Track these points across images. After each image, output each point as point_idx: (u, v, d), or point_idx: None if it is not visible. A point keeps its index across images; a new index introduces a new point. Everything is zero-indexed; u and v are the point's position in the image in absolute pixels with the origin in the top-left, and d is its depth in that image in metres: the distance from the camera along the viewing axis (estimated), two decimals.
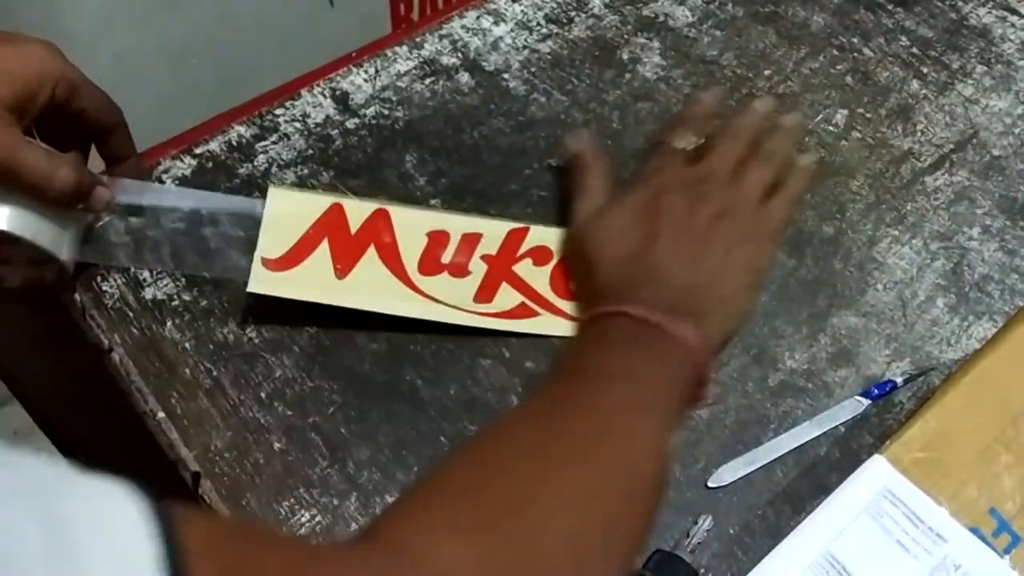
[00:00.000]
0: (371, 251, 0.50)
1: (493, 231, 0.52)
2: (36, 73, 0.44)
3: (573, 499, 0.34)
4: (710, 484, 0.45)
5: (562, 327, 0.49)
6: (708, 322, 0.43)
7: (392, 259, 0.50)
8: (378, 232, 0.51)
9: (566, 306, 0.50)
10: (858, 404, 0.46)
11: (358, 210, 0.51)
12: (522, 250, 0.51)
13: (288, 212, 0.50)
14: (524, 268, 0.51)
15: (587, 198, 0.50)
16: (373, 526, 0.32)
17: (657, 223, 0.46)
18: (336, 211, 0.51)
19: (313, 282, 0.48)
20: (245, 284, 0.48)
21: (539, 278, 0.50)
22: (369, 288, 0.49)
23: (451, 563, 0.30)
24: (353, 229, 0.50)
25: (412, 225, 0.51)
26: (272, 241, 0.49)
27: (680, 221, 0.45)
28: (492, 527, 0.31)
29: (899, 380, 0.47)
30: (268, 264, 0.49)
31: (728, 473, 0.45)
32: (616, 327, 0.41)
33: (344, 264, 0.49)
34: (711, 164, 0.48)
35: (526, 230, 0.52)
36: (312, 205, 0.51)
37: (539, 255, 0.51)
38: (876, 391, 0.47)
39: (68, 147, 0.48)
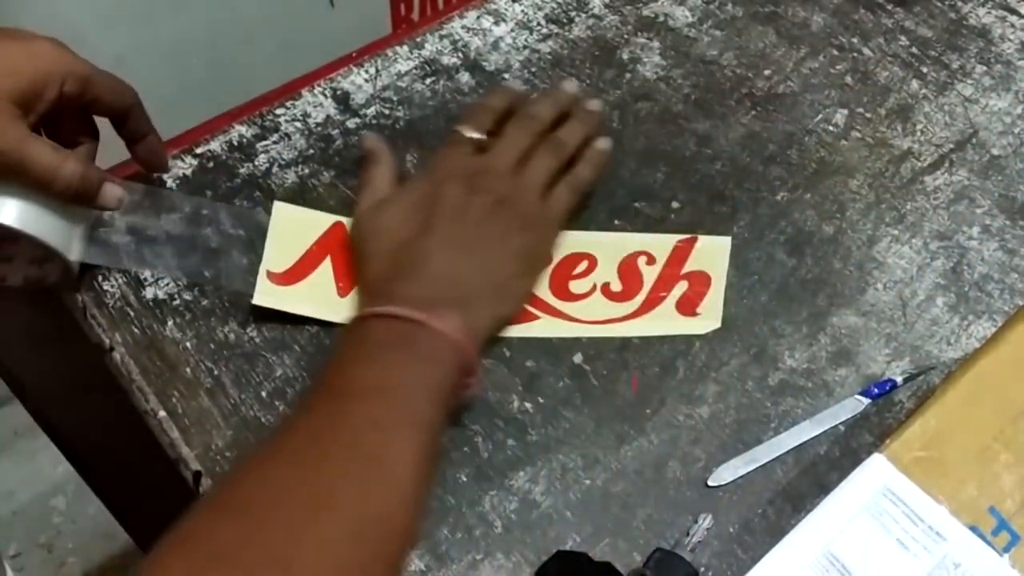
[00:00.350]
0: None
1: None
2: (43, 69, 0.44)
3: (331, 550, 0.33)
4: (710, 483, 0.45)
5: (562, 329, 0.49)
6: (476, 311, 0.43)
7: None
8: None
9: (566, 307, 0.50)
10: (858, 403, 0.46)
11: None
12: None
13: (292, 227, 0.51)
14: None
15: (368, 191, 0.50)
16: None
17: (431, 213, 0.46)
18: (338, 229, 0.52)
19: (316, 298, 0.49)
20: (249, 296, 0.49)
21: (539, 281, 0.51)
22: None
23: None
24: None
25: None
26: (277, 255, 0.50)
27: (454, 210, 0.46)
28: None
29: (899, 379, 0.47)
30: (273, 277, 0.50)
31: (728, 472, 0.45)
32: (378, 330, 0.41)
33: (346, 282, 0.50)
34: (494, 153, 0.48)
35: None
36: (315, 222, 0.52)
37: None
38: (876, 390, 0.47)
39: (81, 141, 0.48)
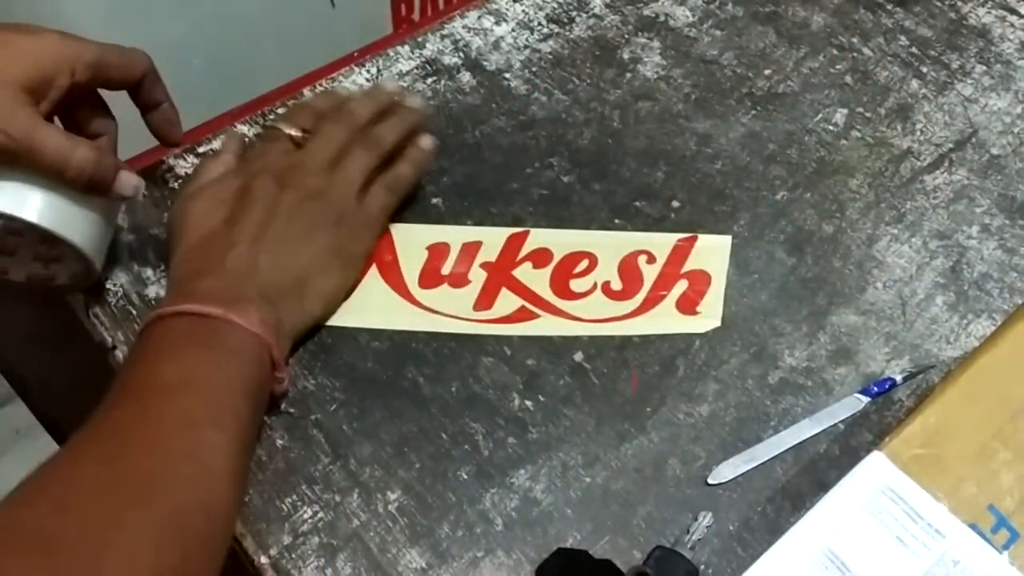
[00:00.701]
0: (372, 270, 0.51)
1: (493, 238, 0.52)
2: (52, 56, 0.43)
3: (148, 537, 0.33)
4: (710, 481, 0.45)
5: (563, 327, 0.50)
6: (279, 307, 0.43)
7: (393, 275, 0.51)
8: (379, 250, 0.52)
9: (566, 306, 0.50)
10: (857, 401, 0.47)
11: None
12: (522, 254, 0.52)
13: None
14: (524, 271, 0.51)
15: (191, 181, 0.50)
16: None
17: (239, 206, 0.45)
18: None
19: None
20: None
21: (539, 280, 0.51)
22: (371, 306, 0.50)
23: None
24: None
25: (412, 241, 0.52)
26: None
27: (262, 204, 0.45)
28: None
29: (898, 378, 0.48)
30: None
31: (728, 470, 0.45)
32: (178, 327, 0.41)
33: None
34: (308, 150, 0.48)
35: (526, 233, 0.52)
36: None
37: (539, 257, 0.52)
38: (875, 388, 0.47)
39: (100, 131, 0.47)
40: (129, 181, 0.46)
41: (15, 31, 0.43)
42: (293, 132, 0.49)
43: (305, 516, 0.44)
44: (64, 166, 0.43)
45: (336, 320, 0.50)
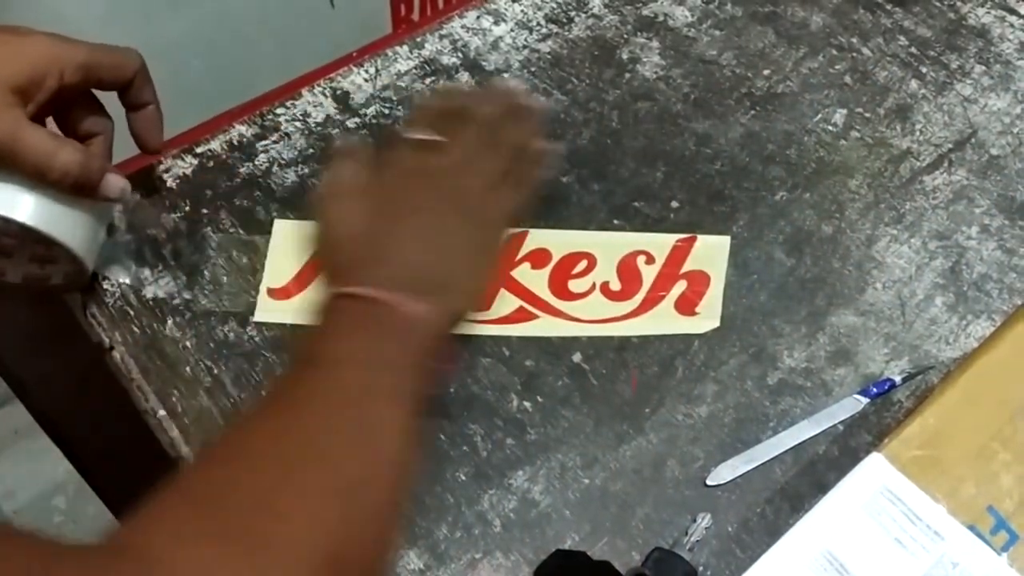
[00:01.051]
0: None
1: None
2: (42, 57, 0.43)
3: (316, 500, 0.33)
4: (709, 482, 0.45)
5: (561, 328, 0.50)
6: (443, 299, 0.42)
7: None
8: None
9: (565, 306, 0.50)
10: (856, 403, 0.47)
11: None
12: (520, 254, 0.52)
13: (292, 241, 0.52)
14: (522, 272, 0.51)
15: (330, 181, 0.49)
16: (119, 531, 0.31)
17: (394, 206, 0.45)
18: None
19: None
20: (251, 299, 0.49)
21: (537, 281, 0.51)
22: None
23: (192, 570, 0.29)
24: None
25: None
26: (276, 271, 0.51)
27: (411, 204, 0.45)
28: (235, 533, 0.31)
29: (897, 379, 0.47)
30: (273, 293, 0.51)
31: (727, 471, 0.45)
32: (350, 309, 0.40)
33: None
34: (445, 153, 0.47)
35: (524, 234, 0.52)
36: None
37: (537, 258, 0.52)
38: (875, 390, 0.47)
39: (94, 133, 0.47)
40: (116, 184, 0.46)
41: (4, 32, 0.43)
42: (425, 137, 0.49)
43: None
44: (48, 167, 0.43)
45: None
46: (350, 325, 0.40)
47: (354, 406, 0.37)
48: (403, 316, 0.40)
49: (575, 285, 0.51)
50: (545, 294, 0.51)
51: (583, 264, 0.52)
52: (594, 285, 0.51)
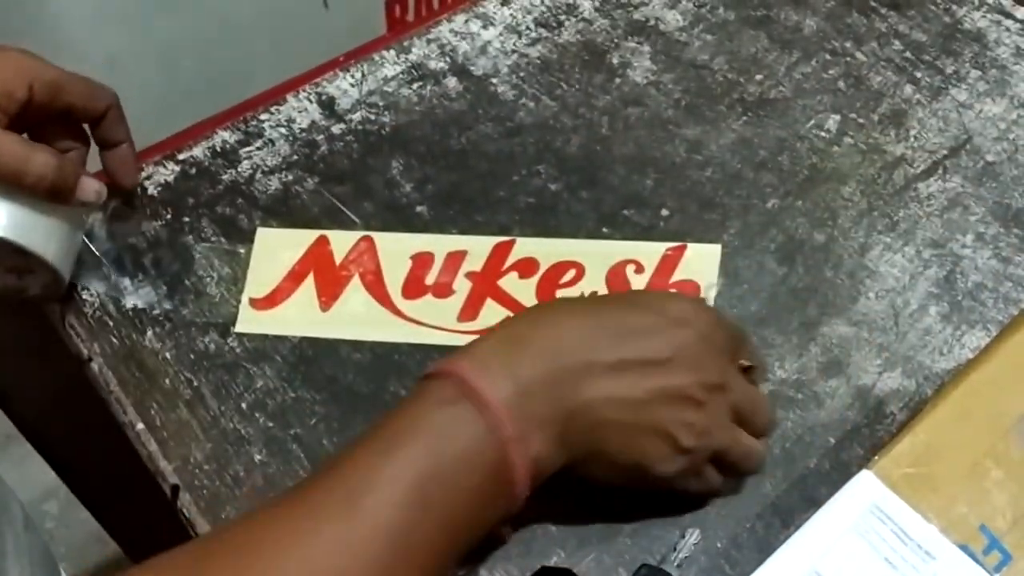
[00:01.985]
0: (355, 280, 0.50)
1: (478, 247, 0.51)
2: (11, 70, 0.43)
3: None
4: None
5: None
6: (565, 451, 0.38)
7: (376, 286, 0.50)
8: (363, 260, 0.51)
9: None
10: None
11: (343, 240, 0.51)
12: (507, 263, 0.51)
13: (275, 250, 0.51)
14: (509, 282, 0.50)
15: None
16: None
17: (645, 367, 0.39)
18: (321, 244, 0.51)
19: (298, 317, 0.49)
20: (233, 309, 0.49)
21: (525, 291, 0.50)
22: (352, 318, 0.49)
23: None
24: (338, 260, 0.51)
25: (396, 250, 0.51)
26: (258, 281, 0.50)
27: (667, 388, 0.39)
28: None
29: None
30: (255, 304, 0.50)
31: None
32: (455, 412, 0.36)
33: (328, 296, 0.50)
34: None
35: (512, 243, 0.52)
36: (298, 240, 0.52)
37: (525, 267, 0.51)
38: None
39: (69, 148, 0.47)
40: (91, 186, 0.45)
41: None
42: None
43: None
44: (23, 172, 0.42)
45: (317, 332, 0.49)
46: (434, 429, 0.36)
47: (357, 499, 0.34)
48: (506, 456, 0.36)
49: (563, 295, 0.50)
50: (533, 304, 0.50)
51: (571, 274, 0.51)
52: (583, 295, 0.50)
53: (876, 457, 0.37)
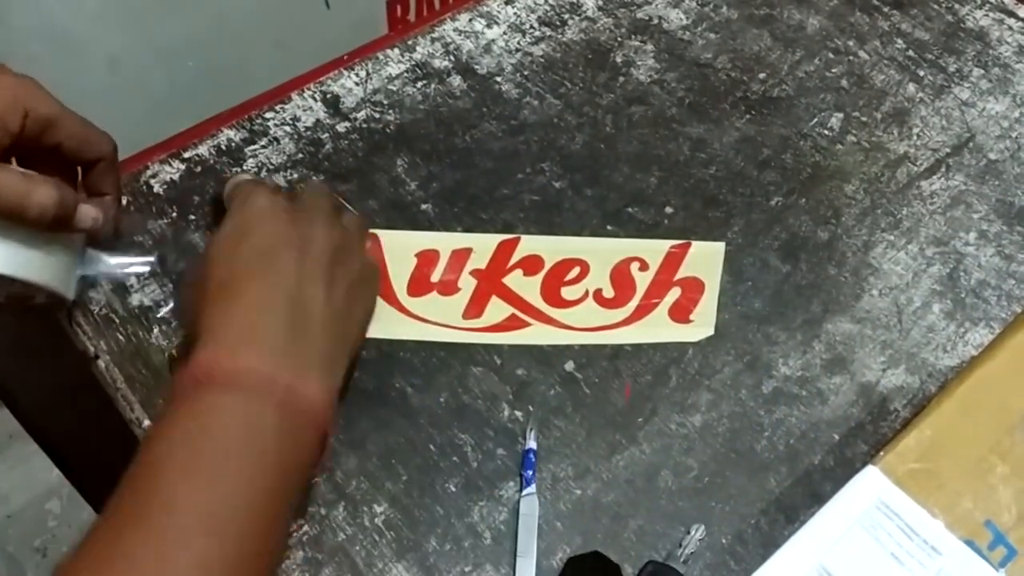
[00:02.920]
0: None
1: (483, 245, 0.51)
2: (8, 99, 0.42)
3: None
4: None
5: (553, 336, 0.49)
6: (336, 373, 0.39)
7: (382, 283, 0.50)
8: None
9: (557, 314, 0.49)
10: None
11: None
12: (512, 261, 0.51)
13: None
14: (514, 279, 0.50)
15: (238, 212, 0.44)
16: None
17: (308, 262, 0.41)
18: None
19: None
20: None
21: (530, 288, 0.50)
22: None
23: None
24: None
25: (401, 247, 0.51)
26: None
27: (328, 265, 0.41)
28: None
29: None
30: None
31: None
32: (229, 410, 0.36)
33: None
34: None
35: (516, 240, 0.52)
36: None
37: (529, 265, 0.51)
38: None
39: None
40: (88, 214, 0.44)
41: None
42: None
43: (290, 530, 0.43)
44: (24, 207, 0.41)
45: None
46: (234, 439, 0.36)
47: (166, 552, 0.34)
48: (297, 405, 0.37)
49: (568, 292, 0.50)
50: (537, 301, 0.50)
51: (576, 271, 0.51)
52: (587, 292, 0.50)
53: (881, 453, 0.37)
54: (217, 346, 0.38)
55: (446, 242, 0.52)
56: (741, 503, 0.44)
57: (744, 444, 0.46)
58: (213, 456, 0.36)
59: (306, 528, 0.43)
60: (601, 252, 0.51)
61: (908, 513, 0.36)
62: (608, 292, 0.50)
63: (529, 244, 0.52)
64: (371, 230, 0.52)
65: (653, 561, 0.42)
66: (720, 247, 0.52)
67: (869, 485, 0.36)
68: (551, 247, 0.52)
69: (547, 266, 0.51)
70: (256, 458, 0.36)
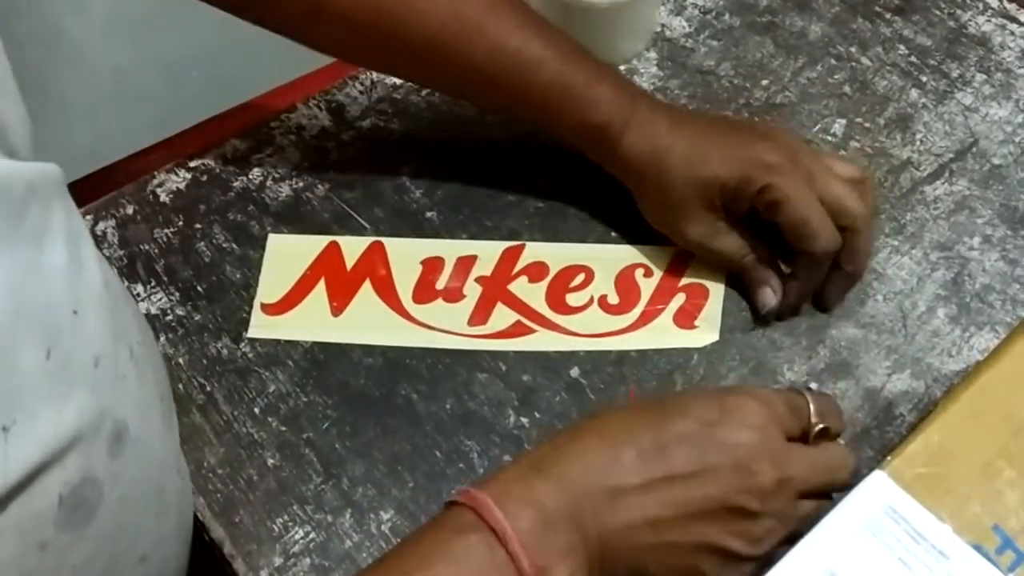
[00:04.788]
0: (366, 285, 0.50)
1: (488, 252, 0.52)
2: (754, 170, 0.46)
3: None
4: None
5: (559, 342, 0.49)
6: None
7: (387, 291, 0.50)
8: (373, 265, 0.51)
9: (562, 320, 0.50)
10: None
11: (354, 246, 0.52)
12: (517, 268, 0.51)
13: (287, 256, 0.51)
14: (519, 286, 0.51)
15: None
16: None
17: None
18: (332, 249, 0.52)
19: (310, 322, 0.49)
20: (245, 315, 0.49)
21: (535, 295, 0.50)
22: (364, 322, 0.49)
23: None
24: (349, 265, 0.51)
25: (406, 255, 0.51)
26: (270, 286, 0.51)
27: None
28: None
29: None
30: (267, 309, 0.50)
31: None
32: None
33: (340, 301, 0.50)
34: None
35: (521, 247, 0.52)
36: (309, 247, 0.52)
37: (534, 271, 0.51)
38: None
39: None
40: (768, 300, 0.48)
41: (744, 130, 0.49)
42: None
43: (297, 537, 0.43)
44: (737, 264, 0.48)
45: (329, 336, 0.49)
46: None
47: None
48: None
49: (573, 299, 0.50)
50: (542, 308, 0.50)
51: (580, 277, 0.51)
52: (592, 299, 0.50)
53: (889, 458, 0.37)
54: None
55: (451, 249, 0.52)
56: None
57: None
58: None
59: (313, 535, 0.43)
60: (606, 259, 0.52)
61: (916, 518, 0.36)
62: (613, 298, 0.50)
63: (533, 251, 0.52)
64: (376, 238, 0.52)
65: None
66: None
67: (876, 490, 0.36)
68: (555, 254, 0.52)
69: (552, 273, 0.51)
70: None
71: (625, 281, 0.51)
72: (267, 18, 0.49)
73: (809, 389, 0.44)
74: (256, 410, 0.47)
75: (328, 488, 0.45)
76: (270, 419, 0.47)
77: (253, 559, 0.43)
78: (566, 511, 0.36)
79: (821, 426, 0.40)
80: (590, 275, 0.51)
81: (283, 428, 0.46)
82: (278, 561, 0.43)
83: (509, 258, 0.52)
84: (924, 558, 0.35)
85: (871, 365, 0.48)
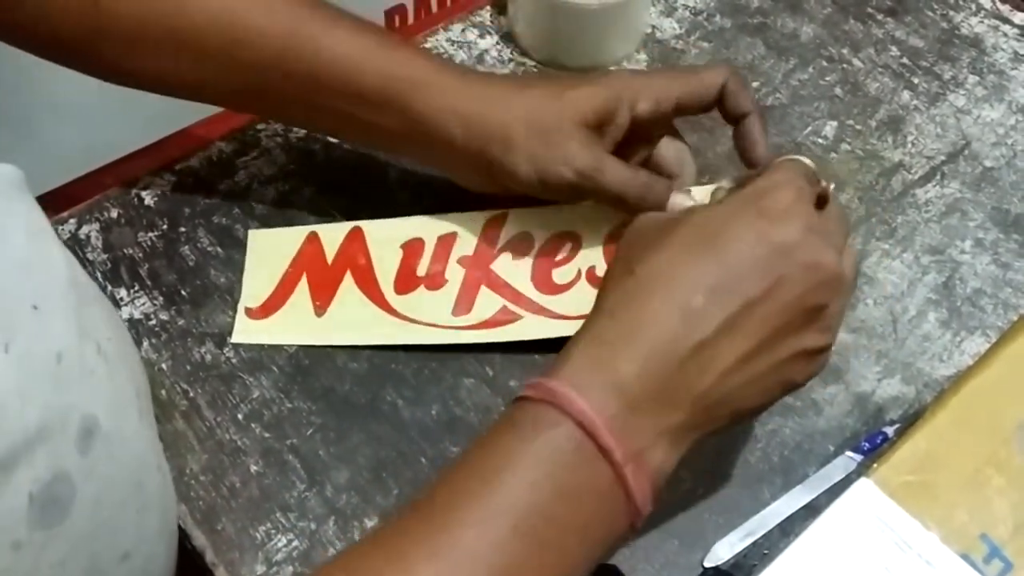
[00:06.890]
0: (347, 279, 0.50)
1: (469, 225, 0.50)
2: (613, 92, 0.45)
3: None
4: (707, 564, 0.42)
5: (547, 328, 0.47)
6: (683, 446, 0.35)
7: (368, 282, 0.49)
8: (353, 255, 0.50)
9: (549, 302, 0.48)
10: (849, 461, 0.44)
11: (333, 234, 0.51)
12: (500, 243, 0.50)
13: (268, 253, 0.51)
14: (503, 265, 0.49)
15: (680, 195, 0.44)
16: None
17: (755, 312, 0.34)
18: (312, 241, 0.51)
19: (294, 325, 0.49)
20: (229, 319, 0.49)
21: (520, 274, 0.49)
22: (347, 321, 0.49)
23: None
24: (329, 258, 0.50)
25: (386, 240, 0.51)
26: (253, 288, 0.50)
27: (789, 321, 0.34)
28: None
29: (890, 431, 0.45)
30: (250, 313, 0.49)
31: (724, 549, 0.42)
32: (558, 445, 0.32)
33: (322, 299, 0.49)
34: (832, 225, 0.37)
35: (504, 216, 0.50)
36: (289, 240, 0.51)
37: (518, 246, 0.50)
38: (867, 445, 0.45)
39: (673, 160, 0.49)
40: (683, 203, 0.45)
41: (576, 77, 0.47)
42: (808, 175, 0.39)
43: (279, 545, 0.43)
44: (623, 194, 0.45)
45: (313, 339, 0.48)
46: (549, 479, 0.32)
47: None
48: (617, 483, 0.33)
49: (559, 275, 0.49)
50: (528, 290, 0.48)
51: (567, 248, 0.49)
52: (579, 272, 0.48)
53: (875, 465, 0.37)
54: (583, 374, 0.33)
55: (431, 228, 0.50)
56: (735, 516, 0.44)
57: (738, 455, 0.45)
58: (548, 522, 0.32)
59: (296, 543, 0.43)
60: (594, 220, 0.49)
61: (902, 526, 0.35)
62: (600, 269, 0.48)
63: (517, 220, 0.50)
64: (355, 223, 0.51)
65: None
66: None
67: (862, 498, 0.36)
68: (541, 221, 0.50)
69: (537, 245, 0.49)
70: (580, 529, 0.33)
71: (613, 248, 0.49)
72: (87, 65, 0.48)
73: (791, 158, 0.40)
74: (240, 416, 0.46)
75: (312, 495, 0.44)
76: (253, 425, 0.46)
77: (235, 567, 0.42)
78: (653, 387, 0.33)
79: (824, 183, 0.39)
80: (577, 243, 0.49)
81: (267, 434, 0.46)
82: (261, 569, 0.42)
83: (491, 232, 0.50)
84: (911, 567, 0.35)
85: (861, 370, 0.48)
